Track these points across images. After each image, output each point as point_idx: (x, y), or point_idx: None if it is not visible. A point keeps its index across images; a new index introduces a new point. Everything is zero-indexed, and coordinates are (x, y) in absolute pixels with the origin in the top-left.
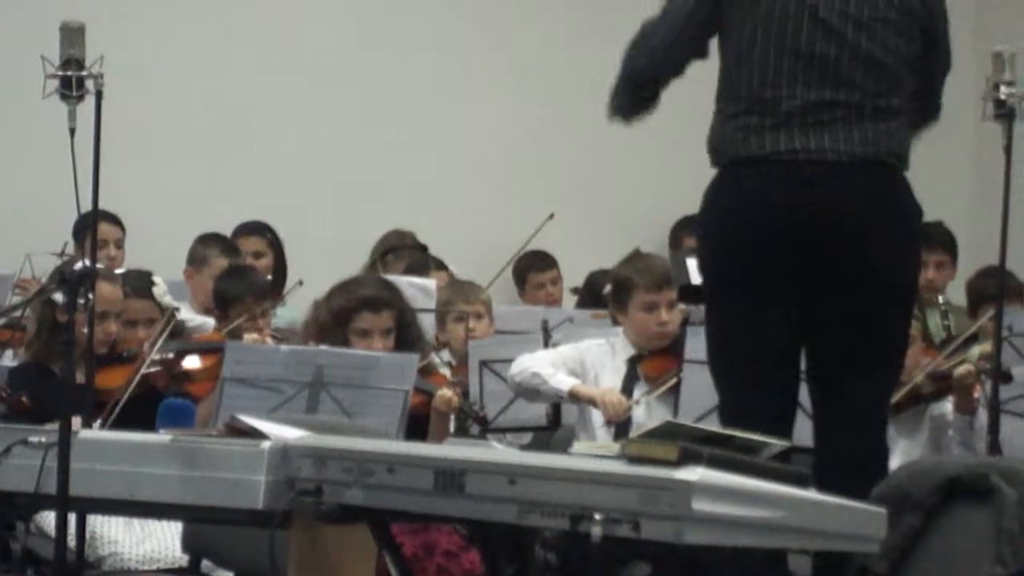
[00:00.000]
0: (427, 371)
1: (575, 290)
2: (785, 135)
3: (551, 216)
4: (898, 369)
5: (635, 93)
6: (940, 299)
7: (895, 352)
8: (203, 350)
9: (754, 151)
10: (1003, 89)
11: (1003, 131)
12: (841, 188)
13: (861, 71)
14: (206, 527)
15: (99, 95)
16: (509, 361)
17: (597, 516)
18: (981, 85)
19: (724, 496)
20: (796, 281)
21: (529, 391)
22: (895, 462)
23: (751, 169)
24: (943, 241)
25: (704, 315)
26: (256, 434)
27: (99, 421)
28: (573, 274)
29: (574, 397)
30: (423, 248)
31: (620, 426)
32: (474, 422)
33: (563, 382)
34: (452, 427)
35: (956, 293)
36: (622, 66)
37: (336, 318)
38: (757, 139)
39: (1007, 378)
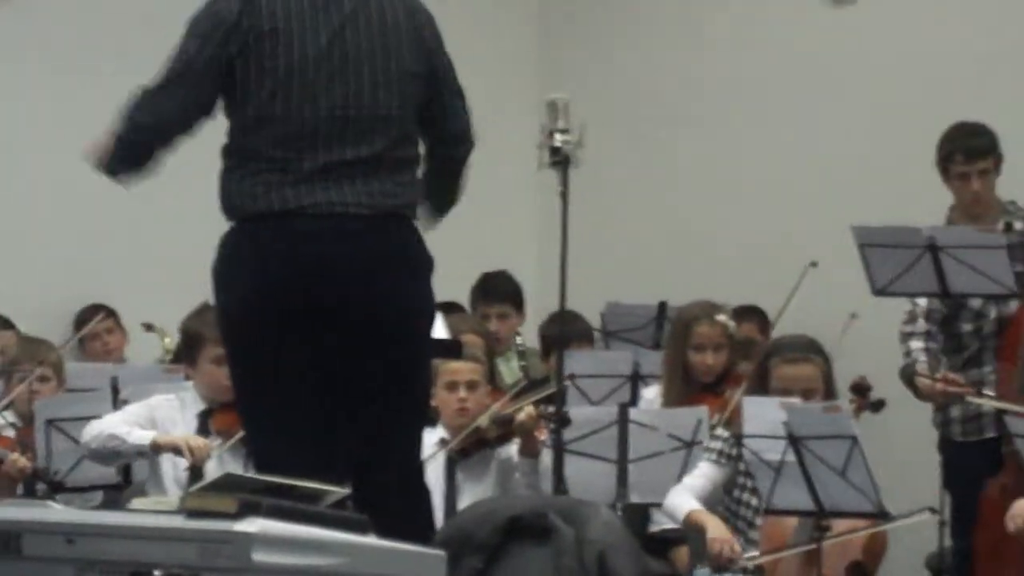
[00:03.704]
0: None
1: (147, 327)
2: (306, 190)
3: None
4: (422, 411)
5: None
6: (516, 342)
7: (415, 394)
8: None
9: (276, 206)
10: (558, 136)
11: (559, 178)
12: (360, 240)
13: (379, 128)
14: None
15: None
16: (78, 419)
17: (157, 573)
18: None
19: (284, 546)
20: (319, 330)
21: (107, 455)
22: (462, 506)
23: (271, 223)
24: (505, 291)
25: (228, 365)
26: None
27: None
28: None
29: (156, 448)
30: None
31: (193, 478)
32: (47, 486)
33: (143, 436)
34: (20, 490)
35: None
36: (125, 125)
37: None
38: (279, 194)
39: (566, 421)
